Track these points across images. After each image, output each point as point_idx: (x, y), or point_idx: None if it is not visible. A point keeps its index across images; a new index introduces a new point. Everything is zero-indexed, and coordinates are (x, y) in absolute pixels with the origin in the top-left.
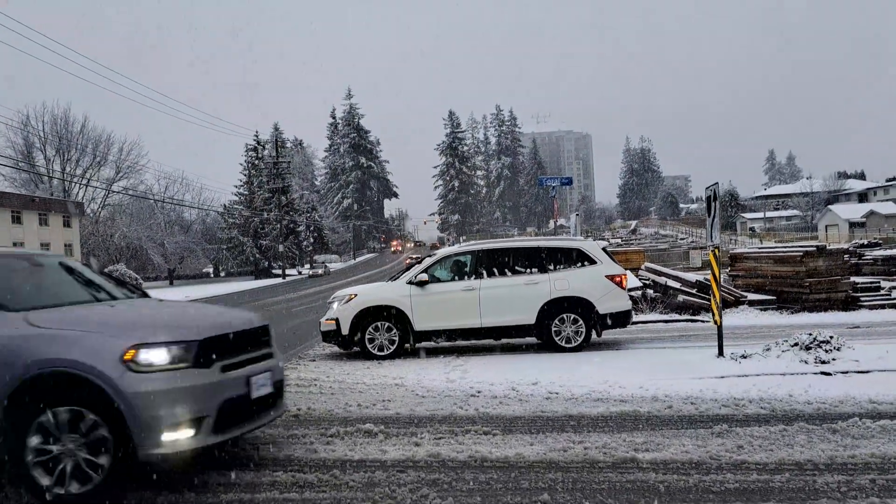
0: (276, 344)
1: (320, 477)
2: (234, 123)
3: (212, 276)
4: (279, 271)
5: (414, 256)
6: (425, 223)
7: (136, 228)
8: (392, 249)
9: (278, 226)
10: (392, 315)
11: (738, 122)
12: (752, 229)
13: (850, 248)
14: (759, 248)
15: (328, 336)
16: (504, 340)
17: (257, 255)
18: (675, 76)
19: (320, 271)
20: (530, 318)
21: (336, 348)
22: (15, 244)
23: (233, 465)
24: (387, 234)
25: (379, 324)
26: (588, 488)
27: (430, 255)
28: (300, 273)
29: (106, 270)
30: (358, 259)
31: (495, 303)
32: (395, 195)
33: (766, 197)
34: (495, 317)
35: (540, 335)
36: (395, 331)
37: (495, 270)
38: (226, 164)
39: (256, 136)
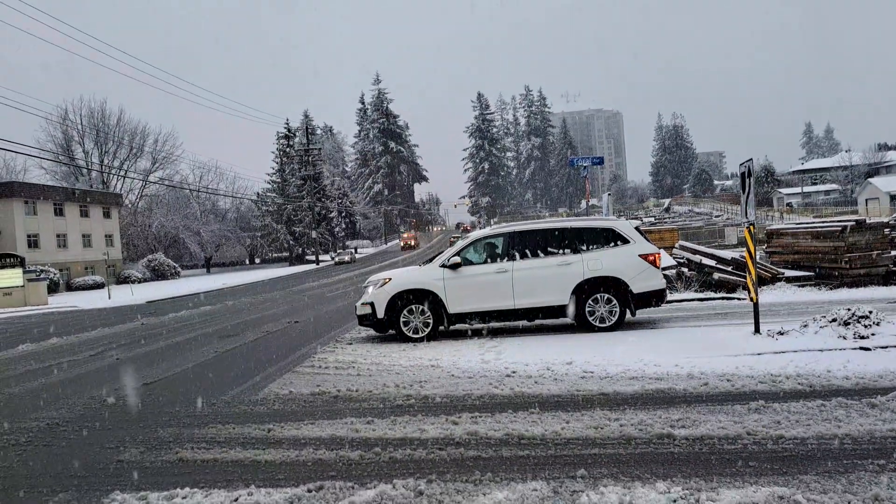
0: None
1: (363, 455)
2: (264, 112)
3: (247, 263)
4: (313, 258)
5: (455, 237)
6: (455, 206)
7: (172, 218)
8: (402, 243)
9: (311, 212)
10: (426, 298)
11: (773, 96)
12: (789, 205)
13: (892, 222)
14: (797, 224)
15: (364, 319)
16: (538, 321)
17: (291, 242)
18: (708, 51)
19: (346, 258)
20: (564, 298)
21: (372, 331)
22: (58, 236)
23: (277, 445)
24: (417, 218)
25: (413, 307)
26: (624, 463)
27: (461, 238)
28: (332, 259)
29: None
30: (389, 244)
31: (528, 284)
32: (426, 179)
33: (804, 171)
34: (529, 298)
35: (574, 315)
36: (429, 313)
37: (528, 252)
38: (258, 153)
39: (287, 124)
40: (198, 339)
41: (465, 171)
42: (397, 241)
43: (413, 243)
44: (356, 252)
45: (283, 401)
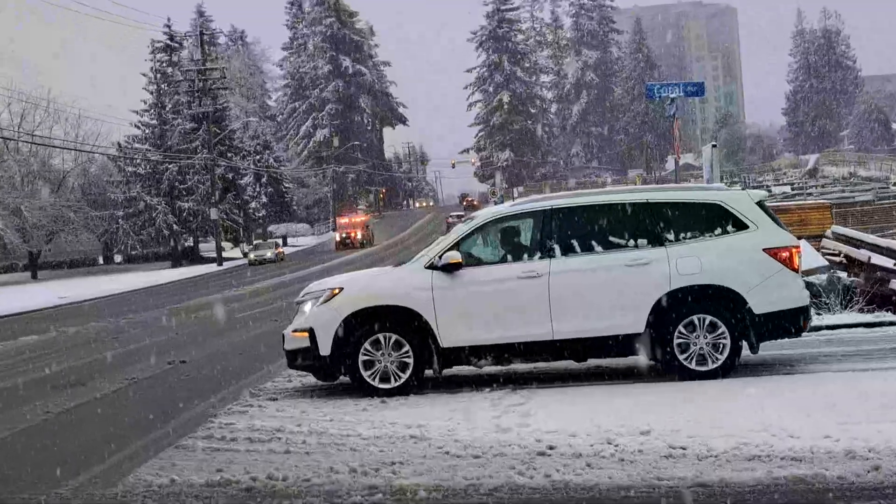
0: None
1: None
2: (127, 6)
3: (101, 262)
4: (213, 252)
5: (455, 217)
6: (454, 166)
7: None
8: (336, 237)
9: (209, 176)
10: (403, 322)
11: None
12: None
13: None
14: None
15: (298, 357)
16: (592, 361)
17: (175, 227)
18: None
19: (269, 254)
20: (636, 322)
21: (311, 377)
22: None
23: None
24: (390, 185)
25: (381, 337)
26: None
27: (465, 220)
28: (246, 255)
29: None
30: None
31: (576, 298)
32: (403, 122)
33: None
34: (577, 321)
35: (653, 351)
36: (407, 348)
37: (575, 243)
38: (123, 78)
39: (168, 28)
40: (17, 391)
41: (470, 106)
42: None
43: (359, 235)
44: (285, 244)
45: (161, 495)
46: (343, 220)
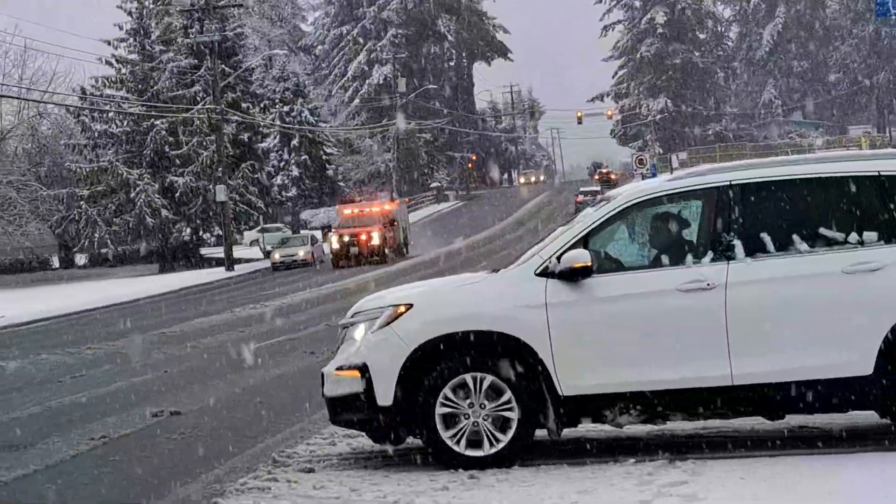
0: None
1: None
2: None
3: (56, 265)
4: (219, 251)
5: (586, 195)
6: (580, 121)
7: None
8: (335, 239)
9: (213, 138)
10: (503, 356)
11: None
12: None
13: None
14: None
15: (345, 408)
16: (791, 419)
17: (164, 213)
18: None
19: (301, 253)
20: (859, 359)
21: (364, 438)
22: None
23: None
24: (482, 149)
25: (470, 378)
26: None
27: (598, 203)
28: (266, 253)
29: None
30: (413, 213)
31: (768, 322)
32: (503, 54)
33: None
34: (768, 358)
35: (885, 403)
36: (509, 395)
37: (766, 238)
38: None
39: None
40: None
41: (606, 31)
42: (439, 206)
43: (375, 240)
44: (326, 237)
45: None
46: (348, 211)
